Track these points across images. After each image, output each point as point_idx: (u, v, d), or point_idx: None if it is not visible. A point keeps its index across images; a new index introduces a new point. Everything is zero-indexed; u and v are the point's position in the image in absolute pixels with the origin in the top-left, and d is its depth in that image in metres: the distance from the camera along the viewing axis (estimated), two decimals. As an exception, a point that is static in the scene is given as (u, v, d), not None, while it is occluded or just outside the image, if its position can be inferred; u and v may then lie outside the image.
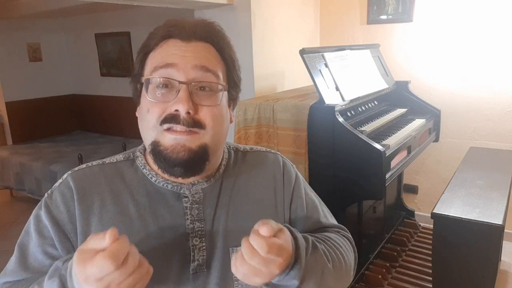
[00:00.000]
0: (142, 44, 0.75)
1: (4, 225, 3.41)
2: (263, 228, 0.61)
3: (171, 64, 0.69)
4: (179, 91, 0.67)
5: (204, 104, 0.69)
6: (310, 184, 0.96)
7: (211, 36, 0.73)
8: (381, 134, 2.05)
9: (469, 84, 2.69)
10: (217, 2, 2.33)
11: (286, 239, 0.65)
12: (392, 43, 2.89)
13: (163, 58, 0.70)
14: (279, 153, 0.90)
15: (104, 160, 0.79)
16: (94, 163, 0.79)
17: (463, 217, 1.61)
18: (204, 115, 0.69)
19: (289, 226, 0.72)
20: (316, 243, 0.76)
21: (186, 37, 0.71)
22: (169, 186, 0.75)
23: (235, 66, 0.77)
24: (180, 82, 0.68)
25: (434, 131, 2.57)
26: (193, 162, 0.69)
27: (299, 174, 0.90)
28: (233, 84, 0.76)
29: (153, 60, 0.71)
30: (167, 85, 0.69)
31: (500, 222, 1.54)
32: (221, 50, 0.74)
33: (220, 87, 0.71)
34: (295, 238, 0.69)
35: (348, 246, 0.87)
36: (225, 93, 0.74)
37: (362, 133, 1.81)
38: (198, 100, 0.69)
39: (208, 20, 0.75)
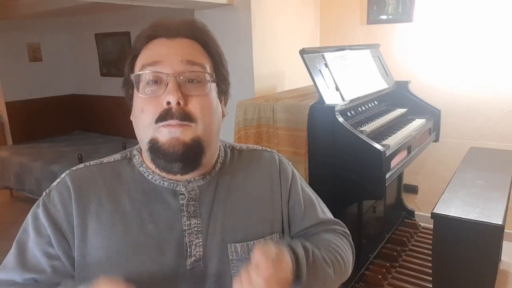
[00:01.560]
0: (131, 47, 0.77)
1: (4, 225, 3.40)
2: (263, 265, 0.63)
3: (158, 61, 0.70)
4: (167, 84, 0.69)
5: (193, 94, 0.70)
6: (310, 184, 0.96)
7: (195, 33, 0.75)
8: (381, 134, 2.05)
9: (469, 84, 2.69)
10: (217, 2, 2.33)
11: (283, 268, 0.66)
12: (392, 43, 2.89)
13: (150, 56, 0.72)
14: (275, 152, 0.91)
15: (102, 160, 0.80)
16: (92, 163, 0.80)
17: (463, 217, 1.61)
18: (194, 106, 0.70)
19: (289, 242, 0.75)
20: (316, 251, 0.78)
21: (171, 35, 0.73)
22: (166, 184, 0.75)
23: (222, 60, 0.78)
24: (168, 75, 0.69)
25: (434, 131, 2.57)
26: (189, 156, 0.70)
27: (295, 171, 0.91)
28: (221, 77, 0.78)
29: (140, 60, 0.73)
30: (156, 81, 0.70)
31: (500, 222, 1.54)
32: (206, 45, 0.76)
33: (207, 77, 0.73)
34: (295, 254, 0.71)
35: (346, 244, 0.89)
36: (214, 84, 0.75)
37: (362, 133, 1.81)
38: (187, 91, 0.70)
39: (190, 18, 0.77)
